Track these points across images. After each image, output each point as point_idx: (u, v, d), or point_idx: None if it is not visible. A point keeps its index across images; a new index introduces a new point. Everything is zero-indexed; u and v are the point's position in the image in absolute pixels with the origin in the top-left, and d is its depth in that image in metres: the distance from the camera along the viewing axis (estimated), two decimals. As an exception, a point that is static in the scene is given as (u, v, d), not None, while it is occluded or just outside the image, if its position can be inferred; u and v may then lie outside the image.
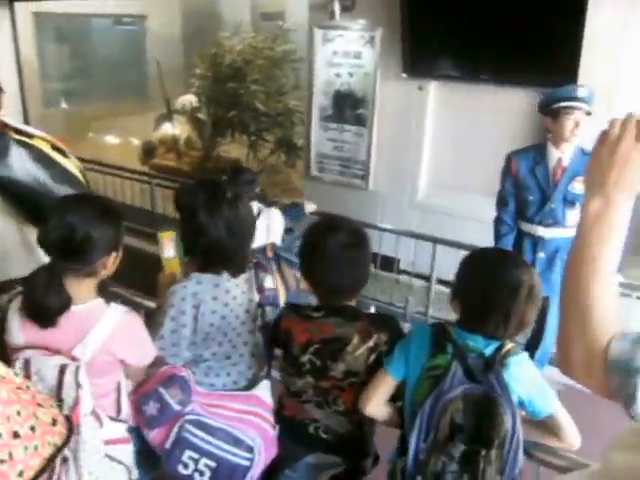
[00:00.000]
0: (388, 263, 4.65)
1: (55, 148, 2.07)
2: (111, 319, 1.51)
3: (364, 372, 1.57)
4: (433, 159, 4.54)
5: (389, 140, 4.57)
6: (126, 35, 11.20)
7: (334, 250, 1.56)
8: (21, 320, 1.46)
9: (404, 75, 4.26)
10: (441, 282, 4.06)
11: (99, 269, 1.53)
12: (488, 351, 1.40)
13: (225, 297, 1.79)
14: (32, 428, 1.20)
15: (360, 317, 1.59)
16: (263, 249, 3.48)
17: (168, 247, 2.07)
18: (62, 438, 1.27)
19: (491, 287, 1.38)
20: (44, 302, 1.41)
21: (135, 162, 8.19)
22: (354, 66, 4.54)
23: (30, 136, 2.03)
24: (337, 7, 4.28)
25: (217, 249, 1.75)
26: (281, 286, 3.43)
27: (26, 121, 8.40)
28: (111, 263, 1.57)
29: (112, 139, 9.71)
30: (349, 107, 4.64)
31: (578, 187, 2.83)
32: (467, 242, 4.12)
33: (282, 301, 3.50)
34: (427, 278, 4.50)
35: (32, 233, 2.00)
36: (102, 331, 1.49)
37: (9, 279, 1.91)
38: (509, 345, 1.42)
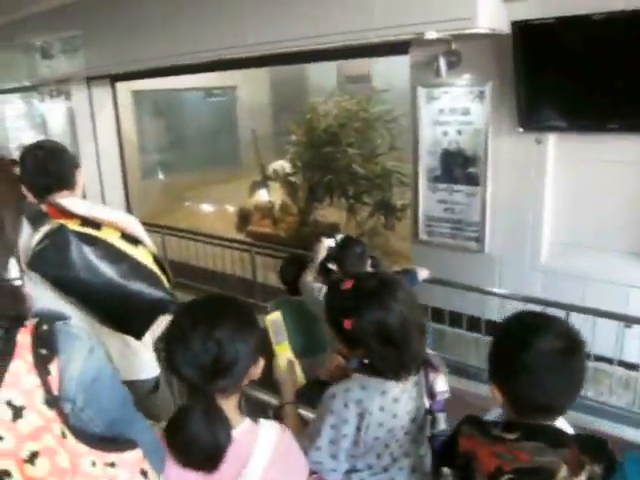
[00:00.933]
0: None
1: (125, 236, 1.91)
2: (267, 442, 1.28)
3: None
4: (556, 217, 4.16)
5: (505, 199, 4.25)
6: (217, 106, 11.56)
7: (545, 359, 1.25)
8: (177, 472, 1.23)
9: (520, 129, 3.96)
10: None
11: (245, 381, 1.33)
12: None
13: (393, 407, 1.54)
14: None
15: (567, 442, 1.24)
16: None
17: (277, 331, 1.87)
18: None
19: None
20: (210, 442, 1.19)
21: (230, 229, 8.24)
22: (462, 123, 4.29)
23: (98, 225, 1.87)
24: (443, 64, 4.08)
25: (390, 353, 1.53)
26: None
27: (126, 193, 8.72)
28: (258, 372, 1.36)
29: (207, 207, 9.87)
30: (459, 166, 4.36)
31: None
32: (603, 308, 3.72)
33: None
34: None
35: (109, 337, 1.90)
36: (261, 459, 1.25)
37: None
38: None
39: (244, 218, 8.15)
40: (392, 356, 1.53)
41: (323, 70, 11.35)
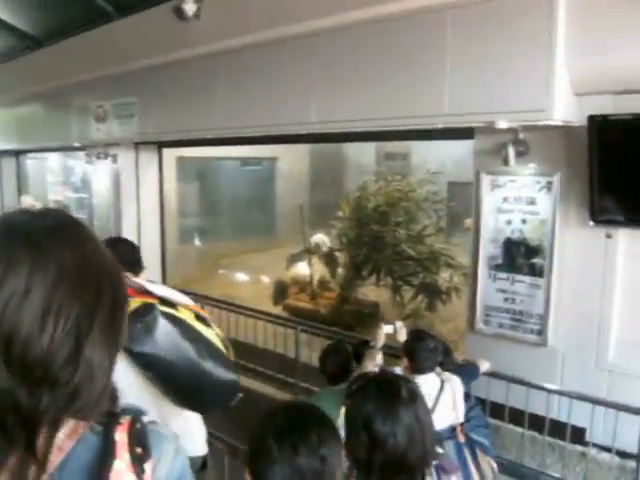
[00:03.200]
0: (569, 432, 4.03)
1: (198, 317, 1.92)
2: None
3: None
4: (626, 314, 3.98)
5: (571, 292, 4.09)
6: (258, 176, 11.70)
7: None
8: None
9: (590, 223, 3.85)
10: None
11: None
12: None
13: None
14: None
15: None
16: (452, 430, 3.01)
17: None
18: None
19: None
20: None
21: (265, 300, 8.11)
22: (527, 212, 4.20)
23: (174, 305, 1.87)
24: (512, 153, 4.03)
25: (395, 463, 1.44)
26: (476, 478, 2.92)
27: (163, 256, 8.70)
28: None
29: (241, 276, 9.80)
30: (522, 256, 4.25)
31: None
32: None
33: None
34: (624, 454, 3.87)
35: (171, 413, 1.91)
36: None
37: None
38: None
39: (281, 291, 8.03)
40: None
41: (362, 144, 11.50)
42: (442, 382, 3.09)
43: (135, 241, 7.96)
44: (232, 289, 8.94)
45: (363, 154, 11.44)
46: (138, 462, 0.91)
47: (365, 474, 1.44)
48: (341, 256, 7.15)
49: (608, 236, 3.91)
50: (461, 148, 8.53)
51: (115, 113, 7.62)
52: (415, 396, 1.52)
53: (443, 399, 2.96)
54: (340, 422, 1.65)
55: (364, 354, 3.66)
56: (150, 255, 8.44)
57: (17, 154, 11.00)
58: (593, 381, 4.05)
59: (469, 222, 9.12)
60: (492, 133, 4.18)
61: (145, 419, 0.98)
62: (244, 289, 9.01)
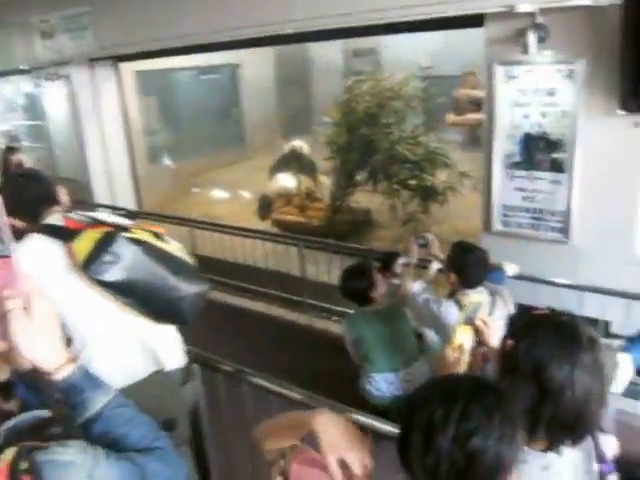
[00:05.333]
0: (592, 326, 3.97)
1: (156, 236, 1.96)
2: None
3: None
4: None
5: (595, 187, 3.92)
6: (221, 85, 11.01)
7: None
8: None
9: (620, 111, 3.61)
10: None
11: None
12: None
13: None
14: None
15: None
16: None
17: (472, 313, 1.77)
18: None
19: None
20: None
21: (250, 217, 7.80)
22: (547, 105, 3.93)
23: (128, 229, 1.90)
24: (532, 39, 3.69)
25: (567, 420, 1.24)
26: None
27: (135, 179, 8.23)
28: None
29: (218, 193, 9.40)
30: (542, 152, 4.02)
31: None
32: None
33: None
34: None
35: (153, 336, 1.99)
36: None
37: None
38: None
39: (266, 205, 7.71)
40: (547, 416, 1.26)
41: (326, 44, 10.88)
42: (492, 295, 2.93)
43: (103, 168, 7.49)
44: (211, 208, 8.57)
45: (328, 53, 10.85)
46: None
47: (528, 430, 1.23)
48: (332, 163, 6.79)
49: (636, 125, 3.68)
50: (439, 40, 8.11)
51: (64, 27, 6.86)
52: (595, 342, 1.30)
53: (497, 314, 2.80)
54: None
55: (393, 270, 3.47)
56: (121, 181, 7.96)
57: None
58: (619, 276, 3.97)
59: (452, 117, 8.89)
60: (506, 19, 3.82)
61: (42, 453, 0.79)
62: (224, 207, 8.65)
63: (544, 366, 1.25)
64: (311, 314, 5.07)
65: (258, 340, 4.70)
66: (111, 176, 7.84)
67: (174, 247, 1.99)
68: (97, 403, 0.98)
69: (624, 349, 2.54)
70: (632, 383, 3.66)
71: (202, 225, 6.01)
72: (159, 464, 1.04)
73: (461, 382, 1.08)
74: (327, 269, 5.10)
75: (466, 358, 1.70)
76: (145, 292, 1.83)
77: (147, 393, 1.79)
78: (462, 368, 1.68)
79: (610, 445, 1.48)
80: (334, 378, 3.74)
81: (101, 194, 7.65)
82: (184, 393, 2.18)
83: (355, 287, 3.45)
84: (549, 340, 1.28)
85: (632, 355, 2.38)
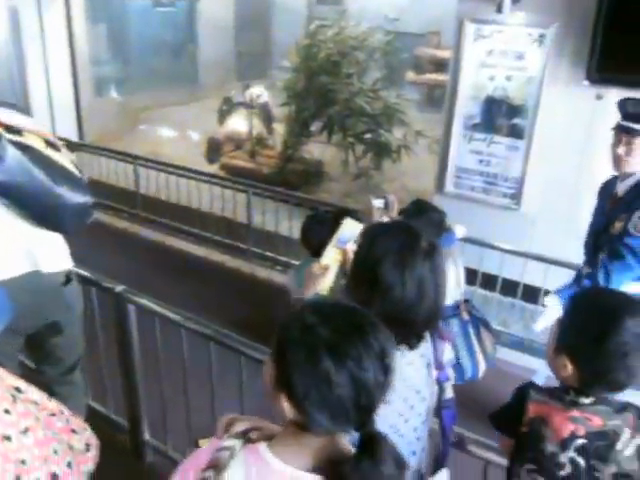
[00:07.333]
0: (532, 294, 4.05)
1: (48, 143, 1.95)
2: None
3: (638, 473, 1.28)
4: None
5: (550, 156, 3.92)
6: (176, 19, 10.48)
7: (637, 342, 1.25)
8: None
9: (585, 82, 3.59)
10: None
11: None
12: None
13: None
14: (69, 464, 1.25)
15: (628, 407, 1.32)
16: (456, 307, 2.86)
17: (347, 237, 1.68)
18: (95, 462, 1.35)
19: None
20: None
21: (197, 158, 7.52)
22: (514, 68, 3.88)
23: (20, 132, 1.88)
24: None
25: (400, 317, 1.31)
26: (480, 354, 2.83)
27: (78, 111, 7.80)
28: None
29: (166, 131, 9.04)
30: (502, 116, 3.99)
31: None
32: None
33: (482, 372, 2.88)
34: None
35: (30, 237, 1.99)
36: None
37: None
38: None
39: (215, 148, 7.44)
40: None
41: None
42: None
43: (45, 95, 7.02)
44: (157, 146, 8.23)
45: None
46: None
47: None
48: (285, 110, 6.57)
49: (598, 97, 3.68)
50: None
51: None
52: (434, 250, 1.36)
53: (447, 275, 2.76)
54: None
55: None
56: (63, 110, 7.53)
57: None
58: (563, 246, 4.02)
59: (412, 75, 8.79)
60: (481, -25, 3.71)
61: None
62: (171, 146, 8.31)
63: (377, 265, 1.32)
64: (255, 262, 4.95)
65: (196, 284, 4.57)
66: (53, 104, 7.39)
67: (64, 157, 1.98)
68: None
69: (555, 292, 2.67)
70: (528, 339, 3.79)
71: (147, 164, 5.73)
72: None
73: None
74: (274, 218, 4.98)
75: (330, 278, 1.67)
76: (20, 195, 1.85)
77: (24, 289, 1.91)
78: (323, 286, 1.66)
79: (447, 353, 1.56)
80: (268, 326, 3.68)
81: (40, 122, 7.20)
82: (65, 295, 2.19)
83: (318, 235, 3.34)
84: (387, 244, 1.36)
85: (559, 297, 2.59)
